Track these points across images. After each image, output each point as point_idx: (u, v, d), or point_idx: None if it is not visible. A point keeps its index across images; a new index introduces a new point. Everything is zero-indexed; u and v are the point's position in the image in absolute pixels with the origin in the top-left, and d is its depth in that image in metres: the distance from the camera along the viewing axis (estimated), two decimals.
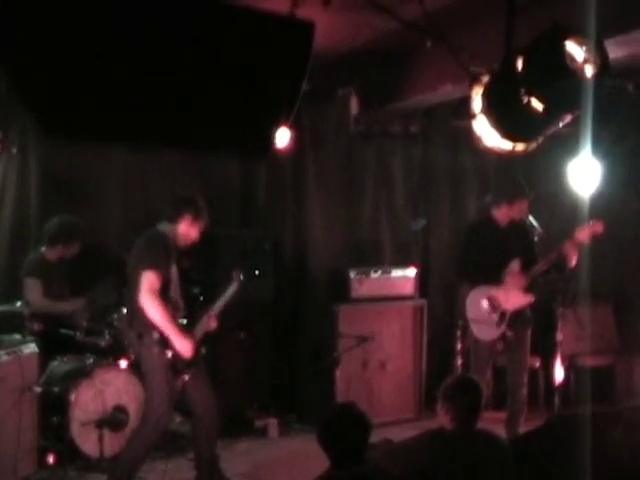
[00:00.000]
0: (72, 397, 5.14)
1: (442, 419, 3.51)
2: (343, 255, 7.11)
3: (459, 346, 6.71)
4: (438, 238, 7.51)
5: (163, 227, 4.82)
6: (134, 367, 5.32)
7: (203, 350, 5.02)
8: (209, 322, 4.94)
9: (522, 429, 5.43)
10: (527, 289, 5.50)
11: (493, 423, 4.86)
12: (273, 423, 6.37)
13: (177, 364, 4.63)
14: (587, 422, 3.69)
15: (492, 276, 5.49)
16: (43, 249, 5.71)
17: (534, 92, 3.29)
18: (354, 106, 6.94)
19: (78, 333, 5.55)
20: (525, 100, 3.31)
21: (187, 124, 3.59)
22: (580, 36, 3.30)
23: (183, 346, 4.61)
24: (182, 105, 3.50)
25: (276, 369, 6.74)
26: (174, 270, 4.80)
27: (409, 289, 6.89)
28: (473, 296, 5.58)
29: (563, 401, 6.55)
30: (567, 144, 4.35)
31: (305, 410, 6.59)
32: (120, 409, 5.34)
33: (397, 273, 6.85)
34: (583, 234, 5.27)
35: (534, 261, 5.49)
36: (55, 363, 5.46)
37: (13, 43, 3.07)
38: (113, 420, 5.26)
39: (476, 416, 3.52)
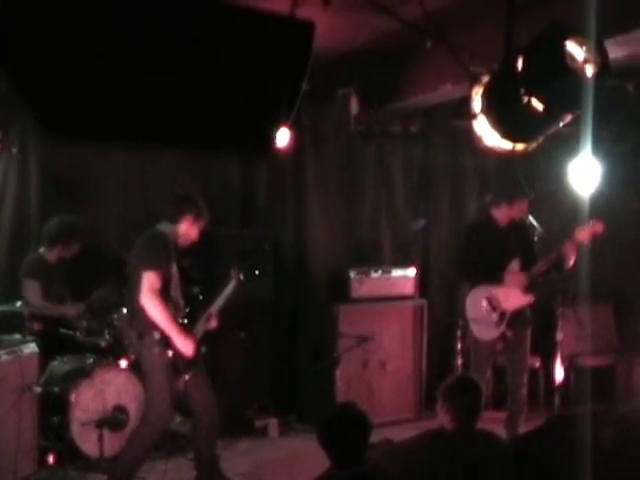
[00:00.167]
0: (72, 397, 5.14)
1: (442, 419, 3.51)
2: (343, 255, 7.11)
3: (459, 346, 6.72)
4: (438, 238, 7.51)
5: (163, 227, 4.82)
6: (134, 367, 5.32)
7: (203, 350, 5.02)
8: (209, 321, 4.94)
9: (522, 429, 5.43)
10: (527, 289, 5.50)
11: (493, 423, 4.86)
12: (273, 423, 6.37)
13: (178, 364, 4.63)
14: (587, 422, 3.69)
15: (492, 276, 5.48)
16: (42, 250, 5.71)
17: (534, 92, 3.29)
18: (354, 106, 6.94)
19: (78, 333, 5.56)
20: (525, 100, 3.31)
21: (187, 124, 3.59)
22: (580, 36, 3.30)
23: (184, 345, 4.61)
24: (182, 105, 3.50)
25: (276, 369, 6.74)
26: (174, 270, 4.80)
27: (409, 289, 6.89)
28: (473, 296, 5.58)
29: (563, 401, 6.55)
30: (567, 144, 4.36)
31: (305, 410, 6.59)
32: (120, 409, 5.34)
33: (397, 273, 6.85)
34: (583, 234, 5.27)
35: (534, 261, 5.49)
36: (55, 363, 5.46)
37: (13, 43, 3.07)
38: (113, 420, 5.26)
39: (476, 416, 3.52)
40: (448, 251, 7.27)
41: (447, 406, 3.49)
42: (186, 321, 4.85)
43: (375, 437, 3.38)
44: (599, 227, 5.27)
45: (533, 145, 3.66)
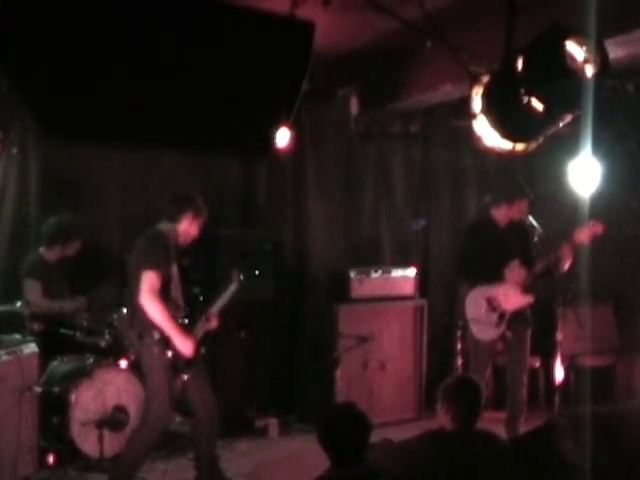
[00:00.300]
0: (72, 397, 5.14)
1: (442, 419, 3.51)
2: (343, 255, 7.11)
3: (459, 346, 6.72)
4: (438, 238, 7.51)
5: (163, 226, 4.82)
6: (134, 367, 5.32)
7: (203, 350, 5.02)
8: (209, 322, 4.94)
9: (522, 429, 5.43)
10: (526, 289, 5.51)
11: (493, 423, 4.86)
12: (273, 423, 6.37)
13: (177, 364, 4.63)
14: (587, 422, 3.69)
15: (492, 276, 5.48)
16: (42, 250, 5.71)
17: (534, 92, 3.29)
18: (354, 106, 6.94)
19: (78, 333, 5.56)
20: (525, 100, 3.31)
21: (187, 124, 3.59)
22: (580, 36, 3.30)
23: (184, 345, 4.61)
24: (182, 105, 3.50)
25: (276, 369, 6.74)
26: (174, 269, 4.80)
27: (409, 289, 6.89)
28: (472, 296, 5.58)
29: (563, 401, 6.55)
30: (567, 144, 4.35)
31: (305, 410, 6.59)
32: (120, 409, 5.34)
33: (397, 273, 6.85)
34: (582, 235, 5.27)
35: (531, 262, 5.49)
36: (55, 363, 5.45)
37: (13, 43, 3.07)
38: (113, 420, 5.26)
39: (476, 416, 3.52)
40: (448, 251, 7.27)
41: (447, 406, 3.49)
42: (186, 321, 4.85)
43: (375, 437, 3.38)
44: (599, 228, 5.27)
45: (533, 145, 3.66)
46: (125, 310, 5.24)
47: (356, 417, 3.22)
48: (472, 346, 5.75)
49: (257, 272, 6.26)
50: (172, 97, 3.44)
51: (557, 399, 6.51)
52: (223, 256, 6.12)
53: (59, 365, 5.44)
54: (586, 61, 3.30)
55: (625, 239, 6.94)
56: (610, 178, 4.91)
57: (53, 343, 5.44)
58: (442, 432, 3.51)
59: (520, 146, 3.62)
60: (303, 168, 7.04)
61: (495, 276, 5.48)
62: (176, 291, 4.81)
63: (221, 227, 6.36)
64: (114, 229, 6.30)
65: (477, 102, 3.58)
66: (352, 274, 6.62)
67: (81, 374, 5.27)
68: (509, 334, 5.51)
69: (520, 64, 3.31)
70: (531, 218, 5.60)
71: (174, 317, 4.65)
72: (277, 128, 4.52)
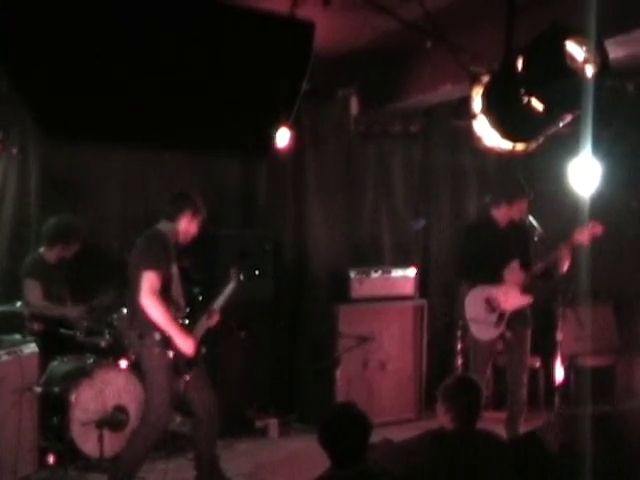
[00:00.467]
0: (72, 397, 5.14)
1: (442, 419, 3.51)
2: (343, 255, 7.12)
3: (459, 346, 6.72)
4: (438, 238, 7.51)
5: (163, 226, 4.83)
6: (134, 367, 5.32)
7: (203, 350, 5.02)
8: (209, 320, 4.94)
9: (522, 429, 5.43)
10: (526, 290, 5.51)
11: (493, 423, 4.86)
12: (273, 423, 6.37)
13: (178, 364, 4.63)
14: (587, 422, 3.69)
15: (491, 276, 5.49)
16: (42, 250, 5.71)
17: (534, 92, 3.29)
18: (354, 106, 6.94)
19: (78, 333, 5.55)
20: (525, 100, 3.31)
21: (187, 124, 3.59)
22: (580, 36, 3.30)
23: (185, 344, 4.61)
24: (182, 105, 3.50)
25: (276, 369, 6.75)
26: (174, 269, 4.80)
27: (409, 289, 6.89)
28: (472, 296, 5.58)
29: (563, 401, 6.55)
30: (567, 144, 4.36)
31: (305, 410, 6.60)
32: (120, 409, 5.34)
33: (397, 273, 6.85)
34: (582, 236, 5.27)
35: (531, 262, 5.49)
36: (55, 363, 5.45)
37: (13, 43, 3.07)
38: (113, 420, 5.26)
39: (476, 416, 3.53)
40: (448, 251, 7.28)
41: (447, 406, 3.49)
42: (187, 321, 4.86)
43: (375, 437, 3.38)
44: (598, 229, 5.27)
45: (533, 145, 3.66)
46: (125, 310, 5.25)
47: (356, 417, 3.22)
48: (472, 346, 5.75)
49: (257, 272, 6.27)
50: (172, 97, 3.44)
51: (557, 399, 6.51)
52: (223, 256, 6.12)
53: (59, 365, 5.44)
54: (586, 61, 3.30)
55: (625, 239, 6.95)
56: (610, 178, 4.92)
57: (53, 343, 5.44)
58: (442, 432, 3.51)
59: (520, 146, 3.62)
60: (303, 168, 7.04)
61: (495, 276, 5.48)
62: (176, 291, 4.81)
63: (221, 227, 6.36)
64: (114, 229, 6.30)
65: (477, 102, 3.58)
66: (352, 274, 6.62)
67: (81, 374, 5.27)
68: (508, 334, 5.52)
69: (520, 64, 3.32)
70: (531, 218, 5.60)
71: (175, 317, 4.66)
72: (277, 128, 4.51)
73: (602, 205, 5.30)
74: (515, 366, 5.60)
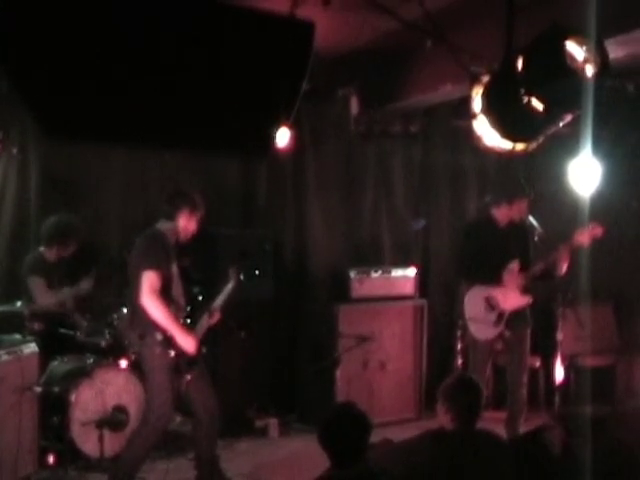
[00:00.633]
0: (72, 397, 5.14)
1: (442, 419, 3.51)
2: (343, 255, 7.11)
3: (459, 346, 6.72)
4: (438, 238, 7.51)
5: (161, 226, 4.82)
6: (134, 367, 5.33)
7: (203, 350, 5.02)
8: (210, 320, 4.94)
9: (522, 429, 5.43)
10: (525, 290, 5.51)
11: (493, 423, 4.86)
12: (273, 423, 6.37)
13: (180, 364, 4.63)
14: (587, 422, 3.69)
15: (491, 276, 5.49)
16: (42, 249, 5.72)
17: (534, 92, 3.29)
18: (354, 106, 6.94)
19: (78, 333, 5.56)
20: (525, 100, 3.31)
21: (187, 124, 3.59)
22: (580, 36, 3.30)
23: (187, 343, 4.61)
24: (182, 105, 3.50)
25: (276, 369, 6.75)
26: (174, 269, 4.80)
27: (409, 289, 6.89)
28: (471, 295, 5.58)
29: (563, 401, 6.55)
30: (567, 144, 4.35)
31: (305, 410, 6.60)
32: (120, 409, 5.34)
33: (397, 273, 6.85)
34: (582, 237, 5.26)
35: (530, 263, 5.49)
36: (55, 363, 5.46)
37: (13, 43, 3.07)
38: (113, 420, 5.26)
39: (476, 416, 3.52)
40: (448, 251, 7.27)
41: (447, 406, 3.49)
42: (189, 321, 4.86)
43: (375, 437, 3.38)
44: (598, 230, 5.26)
45: (533, 145, 3.66)
46: (125, 310, 5.25)
47: (356, 417, 3.22)
48: (471, 346, 5.75)
49: (257, 272, 6.27)
50: (172, 97, 3.44)
51: (557, 399, 6.52)
52: (223, 256, 6.12)
53: (59, 365, 5.44)
54: (586, 61, 3.30)
55: (625, 239, 6.95)
56: (610, 178, 4.92)
57: (53, 343, 5.44)
58: (442, 432, 3.51)
59: (520, 146, 3.62)
60: (303, 168, 7.04)
61: (494, 276, 5.48)
62: (177, 290, 4.81)
63: (221, 227, 6.36)
64: (114, 229, 6.30)
65: (477, 102, 3.58)
66: (352, 274, 6.62)
67: (81, 374, 5.27)
68: (507, 334, 5.52)
69: (520, 64, 3.32)
70: (531, 218, 5.60)
71: (175, 316, 4.66)
72: (277, 128, 4.52)
73: (602, 205, 5.30)
74: (515, 366, 5.60)
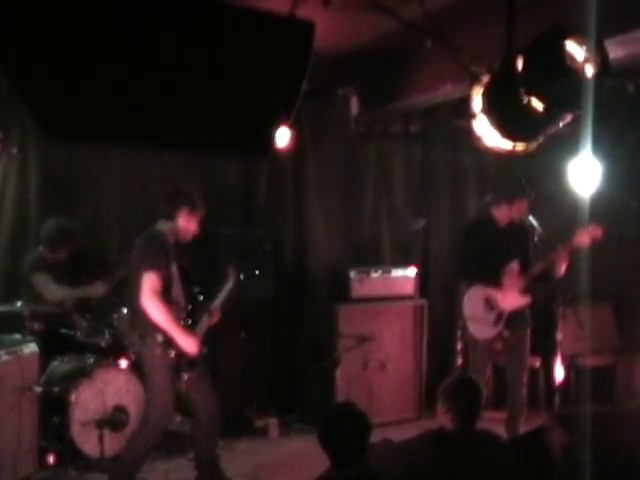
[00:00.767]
0: (72, 397, 5.14)
1: (442, 419, 3.51)
2: (343, 255, 7.12)
3: (459, 346, 6.71)
4: (438, 238, 7.51)
5: (161, 226, 4.82)
6: (134, 367, 5.33)
7: (204, 350, 5.02)
8: (210, 319, 4.94)
9: (522, 429, 5.43)
10: (525, 290, 5.50)
11: (493, 423, 4.86)
12: (273, 423, 6.37)
13: (180, 364, 4.62)
14: (587, 422, 3.69)
15: (491, 276, 5.49)
16: (41, 248, 5.72)
17: (534, 92, 3.29)
18: (354, 106, 6.94)
19: (78, 333, 5.56)
20: (525, 100, 3.31)
21: (187, 124, 3.59)
22: (580, 36, 3.30)
23: (188, 344, 4.61)
24: (182, 105, 3.50)
25: (276, 369, 6.74)
26: (174, 269, 4.79)
27: (409, 289, 6.89)
28: (471, 295, 5.58)
29: (563, 401, 6.55)
30: (567, 144, 4.36)
31: (305, 410, 6.60)
32: (120, 409, 5.34)
33: (397, 273, 6.85)
34: (582, 238, 5.26)
35: (529, 263, 5.49)
36: (55, 363, 5.46)
37: (13, 43, 3.07)
38: (113, 420, 5.26)
39: (476, 416, 3.52)
40: (448, 251, 7.27)
41: (447, 406, 3.49)
42: (190, 322, 4.86)
43: (375, 437, 3.38)
44: (598, 232, 5.25)
45: (533, 145, 3.66)
46: (125, 310, 5.25)
47: (356, 417, 3.22)
48: (471, 345, 5.75)
49: (257, 272, 6.27)
50: (172, 97, 3.44)
51: (557, 399, 6.52)
52: (223, 256, 6.11)
53: (59, 365, 5.45)
54: (586, 61, 3.30)
55: (625, 239, 6.95)
56: (610, 178, 4.92)
57: (53, 343, 5.44)
58: (442, 432, 3.51)
59: (520, 146, 3.63)
60: (303, 168, 7.04)
61: (494, 276, 5.48)
62: (177, 291, 4.80)
63: (221, 227, 6.36)
64: (114, 229, 6.30)
65: (477, 102, 3.58)
66: (352, 274, 6.62)
67: (81, 374, 5.27)
68: (506, 333, 5.52)
69: (520, 64, 3.32)
70: (531, 218, 5.60)
71: (176, 317, 4.65)
72: (277, 128, 4.51)
73: (602, 205, 5.30)
74: (515, 366, 5.60)
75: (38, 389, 5.05)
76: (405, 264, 7.00)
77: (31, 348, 5.06)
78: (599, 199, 5.01)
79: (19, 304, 5.37)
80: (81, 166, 6.17)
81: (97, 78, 3.24)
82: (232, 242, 6.30)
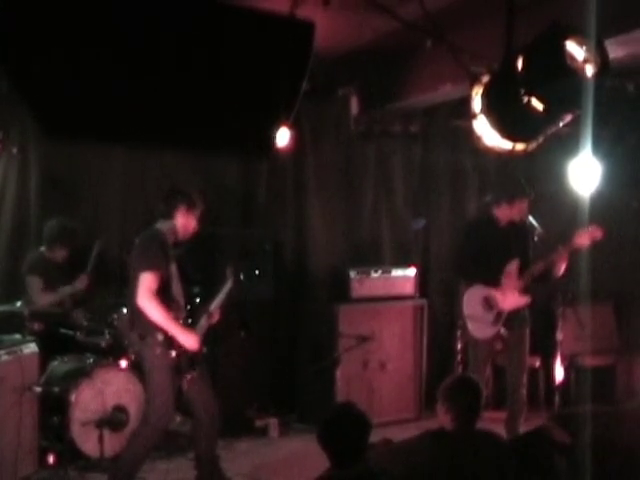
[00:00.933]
0: (72, 397, 5.14)
1: (442, 419, 3.51)
2: (343, 255, 7.12)
3: (459, 346, 6.72)
4: (438, 238, 7.52)
5: (160, 225, 4.81)
6: (134, 367, 5.32)
7: (204, 350, 5.02)
8: (209, 319, 4.94)
9: (522, 429, 5.43)
10: (524, 290, 5.50)
11: (493, 423, 4.86)
12: (273, 423, 6.37)
13: (180, 364, 4.62)
14: (587, 422, 3.69)
15: (490, 275, 5.49)
16: (42, 248, 5.73)
17: (534, 92, 3.29)
18: (354, 106, 6.95)
19: (78, 333, 5.56)
20: (525, 100, 3.31)
21: (187, 124, 3.59)
22: (580, 36, 3.30)
23: (188, 340, 4.61)
24: (182, 105, 3.50)
25: (276, 369, 6.74)
26: (173, 268, 4.79)
27: (409, 289, 6.89)
28: (470, 294, 5.59)
29: (563, 401, 6.55)
30: (567, 144, 4.36)
31: (305, 410, 6.60)
32: (120, 409, 5.34)
33: (397, 273, 6.85)
34: (582, 239, 5.26)
35: (529, 263, 5.49)
36: (55, 363, 5.46)
37: (13, 43, 3.07)
38: (113, 420, 5.26)
39: (476, 416, 3.52)
40: (448, 251, 7.27)
41: (447, 406, 3.49)
42: (190, 321, 4.85)
43: (375, 437, 3.38)
44: (598, 233, 5.25)
45: (533, 145, 3.66)
46: (125, 310, 5.25)
47: (356, 417, 3.22)
48: (471, 345, 5.75)
49: (257, 272, 6.27)
50: (172, 97, 3.44)
51: (557, 399, 6.52)
52: (223, 256, 6.12)
53: (59, 365, 5.45)
54: (586, 61, 3.31)
55: (625, 239, 6.95)
56: (610, 178, 4.92)
57: (53, 343, 5.45)
58: (442, 432, 3.51)
59: (520, 146, 3.63)
60: (303, 168, 7.04)
61: (494, 275, 5.48)
62: (177, 289, 4.80)
63: (221, 227, 6.36)
64: (114, 229, 6.30)
65: (477, 102, 3.58)
66: (352, 274, 6.62)
67: (81, 374, 5.27)
68: (505, 333, 5.52)
69: (520, 64, 3.32)
70: (531, 218, 5.60)
71: (175, 316, 4.65)
72: (277, 128, 4.51)
73: (602, 205, 5.30)
74: (514, 366, 5.60)
75: (38, 389, 5.05)
76: (405, 264, 7.00)
77: (31, 348, 5.06)
78: (599, 199, 5.01)
79: (19, 304, 5.37)
80: (81, 166, 6.17)
81: (97, 78, 3.24)
82: (232, 242, 6.30)
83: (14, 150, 5.91)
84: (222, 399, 5.05)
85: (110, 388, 5.32)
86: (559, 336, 6.45)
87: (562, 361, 6.47)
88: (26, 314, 5.35)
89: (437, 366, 7.02)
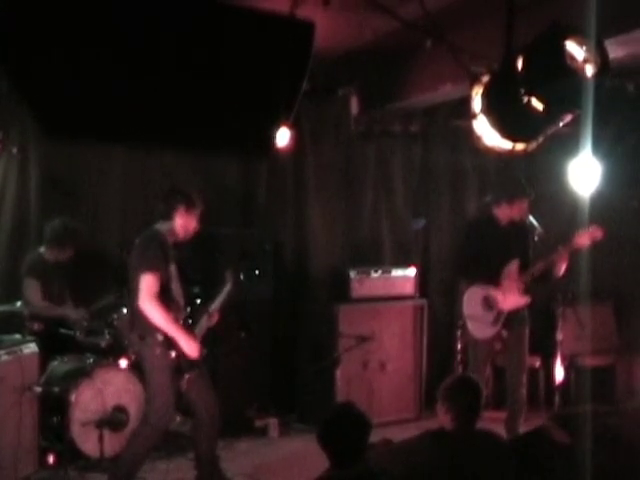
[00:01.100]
0: (72, 397, 5.14)
1: (442, 419, 3.51)
2: (343, 255, 7.12)
3: (459, 346, 6.72)
4: (438, 238, 7.52)
5: (160, 226, 4.81)
6: (134, 367, 5.32)
7: (204, 350, 5.02)
8: (209, 320, 4.94)
9: (522, 429, 5.43)
10: (524, 290, 5.50)
11: (493, 423, 4.86)
12: (273, 423, 6.37)
13: (181, 365, 4.62)
14: (587, 422, 3.69)
15: (490, 275, 5.49)
16: (42, 249, 5.72)
17: (534, 92, 3.29)
18: (354, 106, 6.95)
19: (78, 333, 5.56)
20: (525, 100, 3.31)
21: (187, 124, 3.59)
22: (580, 36, 3.30)
23: (189, 346, 4.60)
24: (182, 105, 3.50)
25: (276, 369, 6.74)
26: (173, 269, 4.79)
27: (409, 289, 6.89)
28: (470, 293, 5.59)
29: (563, 401, 6.55)
30: (567, 144, 4.36)
31: (305, 410, 6.60)
32: (120, 409, 5.34)
33: (397, 273, 6.85)
34: (582, 239, 5.26)
35: (529, 263, 5.49)
36: (55, 363, 5.45)
37: (13, 43, 3.07)
38: (113, 420, 5.26)
39: (476, 416, 3.53)
40: (448, 251, 7.28)
41: (447, 406, 3.49)
42: (190, 321, 4.85)
43: (375, 437, 3.38)
44: (598, 233, 5.25)
45: (533, 145, 3.66)
46: (125, 310, 5.25)
47: (356, 417, 3.22)
48: (471, 345, 5.76)
49: (257, 272, 6.27)
50: (172, 97, 3.44)
51: (557, 399, 6.52)
52: (223, 256, 6.12)
53: (59, 365, 5.44)
54: (586, 61, 3.31)
55: (625, 239, 6.94)
56: (610, 178, 4.92)
57: (53, 343, 5.45)
58: (442, 432, 3.51)
59: (520, 146, 3.62)
60: (303, 168, 7.04)
61: (494, 275, 5.48)
62: (177, 290, 4.80)
63: (221, 227, 6.36)
64: (114, 229, 6.30)
65: (477, 102, 3.58)
66: (352, 274, 6.62)
67: (81, 374, 5.27)
68: (505, 333, 5.52)
69: (520, 64, 3.32)
70: (531, 218, 5.60)
71: (175, 317, 4.65)
72: (277, 128, 4.52)
73: (602, 205, 5.30)
74: (514, 366, 5.60)
75: (38, 389, 5.05)
76: (405, 264, 7.00)
77: (31, 348, 5.06)
78: (599, 199, 5.01)
79: (19, 304, 5.37)
80: (81, 166, 6.17)
81: (97, 78, 3.24)
82: (232, 242, 6.30)
83: (14, 150, 5.91)
84: (222, 399, 5.05)
85: (110, 388, 5.32)
86: (559, 336, 6.45)
87: (562, 361, 6.48)
88: (26, 314, 5.35)
89: (437, 366, 7.02)
